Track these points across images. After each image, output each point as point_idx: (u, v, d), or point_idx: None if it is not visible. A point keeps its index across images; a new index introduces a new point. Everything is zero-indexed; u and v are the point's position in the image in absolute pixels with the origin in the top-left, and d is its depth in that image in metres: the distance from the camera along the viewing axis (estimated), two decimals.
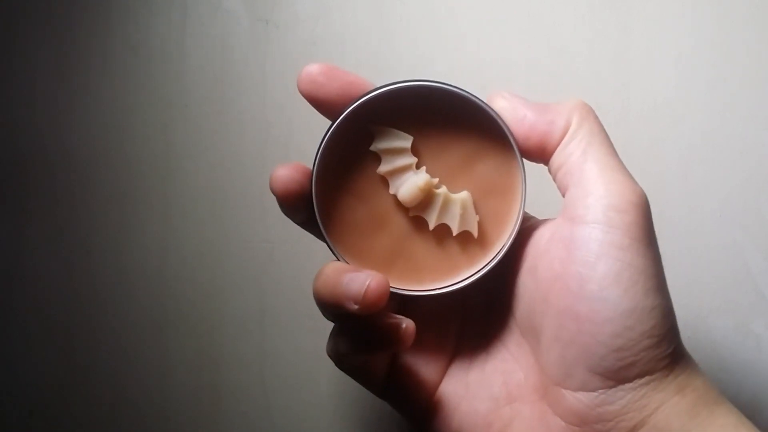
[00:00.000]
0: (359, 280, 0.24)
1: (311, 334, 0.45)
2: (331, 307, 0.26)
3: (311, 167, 0.27)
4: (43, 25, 0.49)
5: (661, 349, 0.23)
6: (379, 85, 0.27)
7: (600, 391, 0.24)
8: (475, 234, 0.27)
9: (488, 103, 0.27)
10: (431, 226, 0.27)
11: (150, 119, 0.48)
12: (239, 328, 0.46)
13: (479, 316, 0.30)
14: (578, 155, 0.25)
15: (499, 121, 0.26)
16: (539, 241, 0.27)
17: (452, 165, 0.27)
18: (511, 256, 0.27)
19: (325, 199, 0.28)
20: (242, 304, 0.46)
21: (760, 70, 0.40)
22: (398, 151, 0.27)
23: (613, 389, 0.24)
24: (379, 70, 0.45)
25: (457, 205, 0.27)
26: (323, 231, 0.28)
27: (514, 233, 0.27)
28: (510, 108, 0.27)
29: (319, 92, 0.27)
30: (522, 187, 0.27)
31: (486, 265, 0.27)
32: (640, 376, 0.23)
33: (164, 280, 0.47)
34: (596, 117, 0.26)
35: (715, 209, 0.41)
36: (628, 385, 0.24)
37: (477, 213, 0.27)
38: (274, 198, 0.28)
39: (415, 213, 0.27)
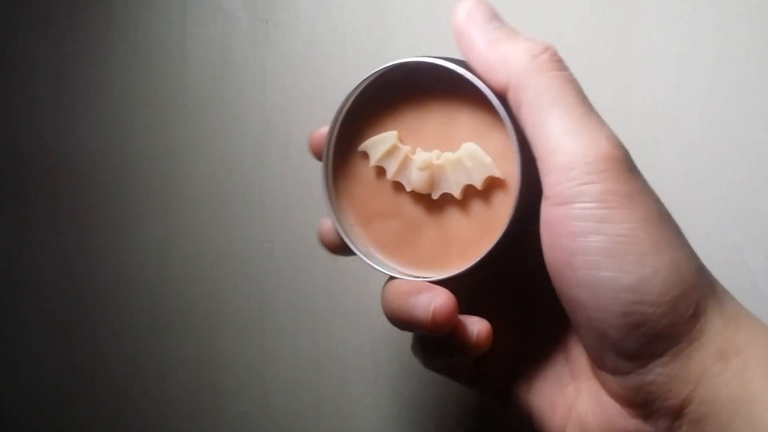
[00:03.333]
0: (423, 304, 0.23)
1: (311, 334, 0.45)
2: (404, 328, 0.25)
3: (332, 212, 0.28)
4: (43, 25, 0.49)
5: (679, 313, 0.21)
6: (343, 100, 0.27)
7: (635, 373, 0.22)
8: (500, 174, 0.25)
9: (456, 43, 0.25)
10: (457, 194, 0.26)
11: (150, 119, 0.48)
12: (239, 328, 0.46)
13: (540, 293, 0.29)
14: (531, 125, 0.23)
15: (468, 77, 0.24)
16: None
17: (440, 127, 0.26)
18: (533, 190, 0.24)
19: (362, 235, 0.28)
20: (242, 304, 0.46)
21: (761, 70, 0.40)
22: (391, 151, 0.26)
23: (647, 368, 0.22)
24: None
25: (465, 162, 0.25)
26: (377, 267, 0.27)
27: (518, 167, 0.24)
28: (464, 29, 0.24)
29: None
30: (507, 122, 0.24)
31: (515, 200, 0.24)
32: (669, 347, 0.21)
33: (164, 280, 0.47)
34: (548, 68, 0.23)
35: (715, 209, 0.41)
36: (659, 360, 0.22)
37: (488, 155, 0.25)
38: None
39: (438, 193, 0.26)
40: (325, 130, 0.27)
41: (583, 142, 0.22)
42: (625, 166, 0.22)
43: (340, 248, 0.28)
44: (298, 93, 0.46)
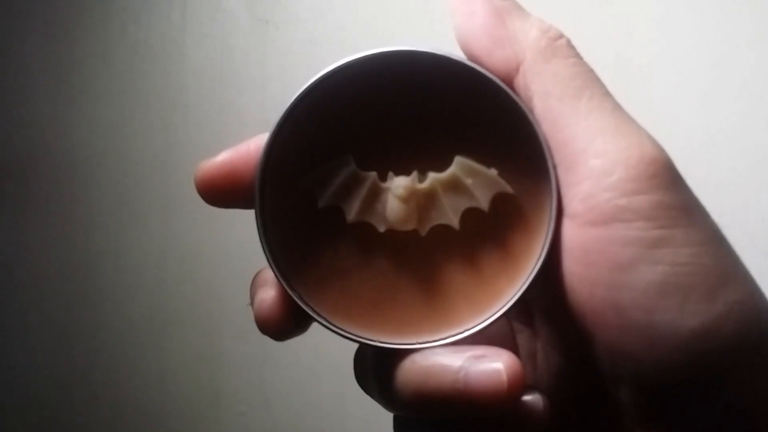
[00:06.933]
0: (488, 372, 0.17)
1: (311, 334, 0.45)
2: (447, 415, 0.18)
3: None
4: (43, 25, 0.49)
5: (762, 368, 0.16)
6: (277, 119, 0.19)
7: None
8: (509, 189, 0.19)
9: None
10: (456, 223, 0.20)
11: (150, 119, 0.48)
12: (239, 328, 0.46)
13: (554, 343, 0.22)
14: (549, 122, 0.18)
15: (458, 59, 0.19)
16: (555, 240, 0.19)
17: (413, 142, 0.20)
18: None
19: (317, 305, 0.20)
20: (242, 304, 0.46)
21: (761, 71, 0.40)
22: (349, 183, 0.20)
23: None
24: None
25: (463, 179, 0.20)
26: (364, 340, 0.19)
27: (553, 171, 0.18)
28: None
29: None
30: (527, 113, 0.18)
31: (553, 220, 0.18)
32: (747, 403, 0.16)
33: (164, 280, 0.47)
34: (569, 54, 0.18)
35: (715, 209, 0.41)
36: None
37: (490, 166, 0.20)
38: None
39: (430, 225, 0.20)
40: (220, 159, 0.19)
41: (621, 141, 0.17)
42: (676, 173, 0.17)
43: (288, 325, 0.19)
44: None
